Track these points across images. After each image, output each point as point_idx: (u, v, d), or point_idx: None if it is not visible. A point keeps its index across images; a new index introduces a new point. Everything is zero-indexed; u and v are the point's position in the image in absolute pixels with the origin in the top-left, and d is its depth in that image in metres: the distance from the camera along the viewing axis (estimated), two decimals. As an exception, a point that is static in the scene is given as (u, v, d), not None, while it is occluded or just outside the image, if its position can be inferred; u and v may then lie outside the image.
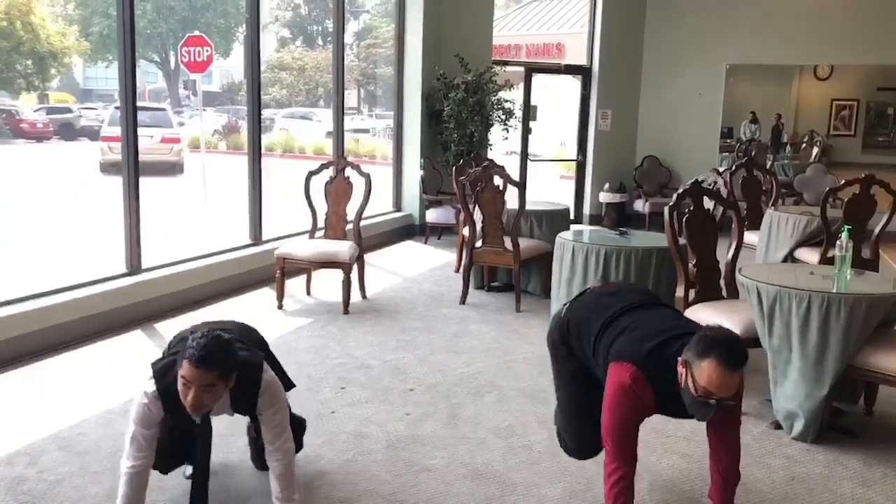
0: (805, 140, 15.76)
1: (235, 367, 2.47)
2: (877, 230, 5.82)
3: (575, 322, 2.85)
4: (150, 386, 2.54)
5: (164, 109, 15.59)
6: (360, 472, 3.20)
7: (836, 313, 3.42)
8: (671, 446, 3.48)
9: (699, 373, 2.32)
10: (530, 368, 4.53)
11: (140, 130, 5.46)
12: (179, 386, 2.40)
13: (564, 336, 2.90)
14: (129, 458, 2.53)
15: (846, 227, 3.94)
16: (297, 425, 2.95)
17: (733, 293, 4.39)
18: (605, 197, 10.29)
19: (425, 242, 8.68)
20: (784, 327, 3.57)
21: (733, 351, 2.33)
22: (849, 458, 3.42)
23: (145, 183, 5.54)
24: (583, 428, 2.90)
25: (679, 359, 2.41)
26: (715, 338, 2.34)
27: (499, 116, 8.94)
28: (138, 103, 5.42)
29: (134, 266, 5.41)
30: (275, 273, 5.71)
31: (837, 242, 3.83)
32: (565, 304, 3.02)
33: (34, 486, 3.00)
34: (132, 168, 5.32)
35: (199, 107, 15.14)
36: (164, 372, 2.54)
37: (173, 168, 13.96)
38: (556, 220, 6.37)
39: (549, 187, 12.31)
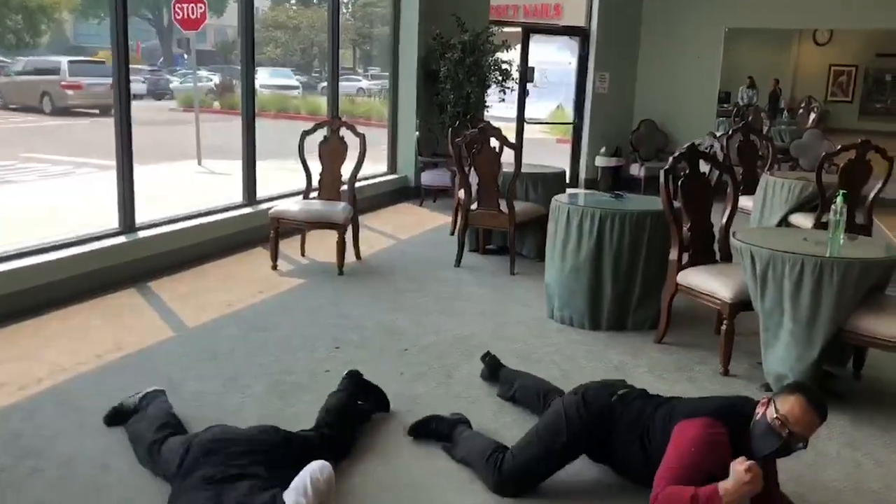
0: (802, 106, 15.72)
1: None
2: (871, 196, 5.83)
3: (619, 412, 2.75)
4: None
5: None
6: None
7: (828, 277, 3.44)
8: None
9: (783, 403, 2.39)
10: (524, 330, 4.55)
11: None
12: None
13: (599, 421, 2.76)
14: None
15: (841, 191, 3.94)
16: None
17: (727, 257, 4.41)
18: (601, 161, 10.25)
19: (420, 205, 8.66)
20: (777, 291, 3.59)
21: (819, 395, 2.44)
22: (836, 420, 3.44)
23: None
24: (539, 468, 2.78)
25: (762, 398, 2.48)
26: (805, 383, 2.56)
27: (496, 77, 8.86)
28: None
29: (127, 225, 5.40)
30: (269, 233, 5.70)
31: (832, 206, 3.83)
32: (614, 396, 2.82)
33: (30, 441, 3.02)
34: (125, 125, 5.28)
35: (192, 66, 14.95)
36: None
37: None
38: (551, 184, 6.35)
39: (547, 151, 12.27)
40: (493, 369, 3.70)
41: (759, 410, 2.44)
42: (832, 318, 3.46)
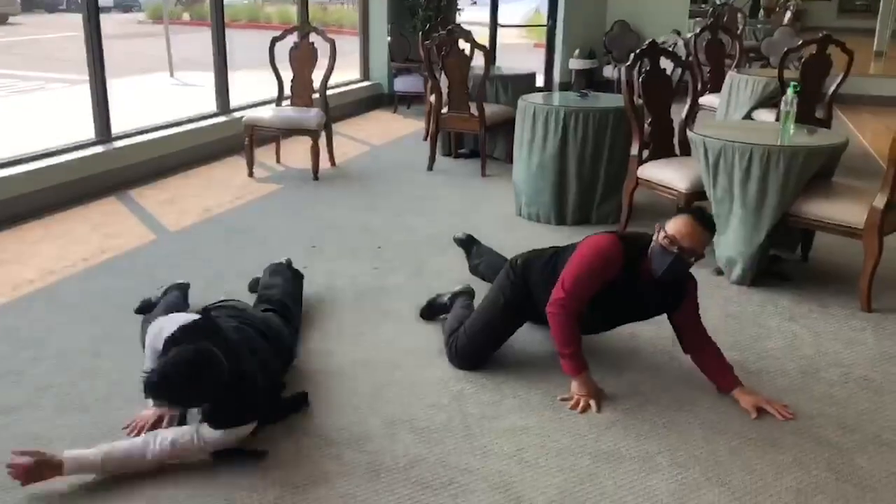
0: (780, 4, 15.60)
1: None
2: (831, 90, 5.98)
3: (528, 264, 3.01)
4: None
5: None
6: (331, 316, 3.46)
7: (775, 165, 3.64)
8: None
9: (671, 225, 2.65)
10: (493, 227, 4.75)
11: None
12: None
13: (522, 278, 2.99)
14: None
15: (793, 83, 4.10)
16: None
17: (686, 151, 4.58)
18: (574, 63, 10.27)
19: (394, 111, 8.72)
20: (727, 179, 3.79)
21: (705, 213, 2.71)
22: (780, 298, 3.72)
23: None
24: (487, 339, 3.00)
25: (656, 226, 2.70)
26: (689, 209, 2.77)
27: (467, -21, 8.78)
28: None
29: (103, 135, 5.48)
30: (244, 141, 5.79)
31: (783, 98, 4.00)
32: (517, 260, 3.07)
33: (27, 333, 3.23)
34: (95, 36, 5.29)
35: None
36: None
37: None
38: (521, 86, 6.44)
39: (524, 56, 12.22)
40: (468, 244, 3.86)
41: (654, 238, 2.68)
42: (778, 203, 3.68)
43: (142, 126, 5.94)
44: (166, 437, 2.33)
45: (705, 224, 2.68)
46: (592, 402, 2.72)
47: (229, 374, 2.26)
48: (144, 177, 5.59)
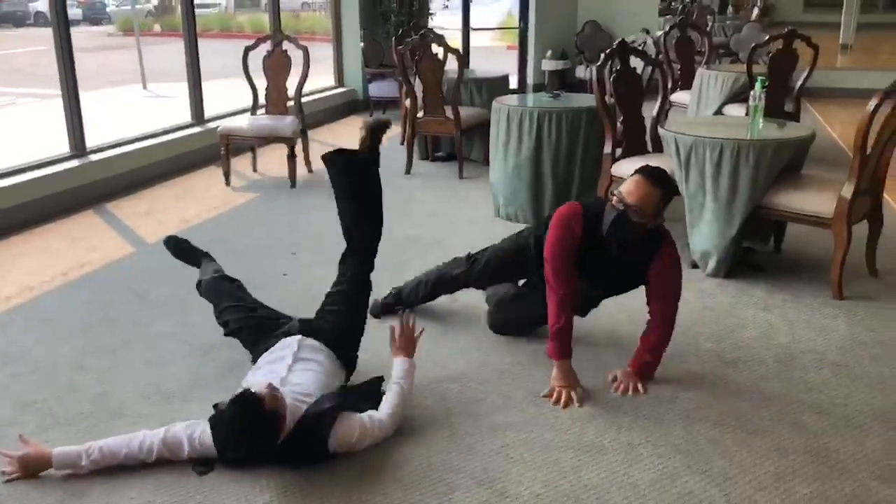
0: (748, 0, 15.82)
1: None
2: (798, 84, 6.09)
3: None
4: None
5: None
6: (313, 323, 3.48)
7: (745, 158, 3.72)
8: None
9: (623, 186, 2.70)
10: (471, 228, 4.79)
11: None
12: None
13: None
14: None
15: (759, 78, 4.18)
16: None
17: (658, 148, 4.65)
18: (547, 65, 10.35)
19: (370, 117, 8.72)
20: (699, 174, 3.86)
21: (656, 171, 2.71)
22: (754, 289, 3.80)
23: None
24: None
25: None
26: (646, 166, 2.74)
27: (438, -16, 8.84)
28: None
29: (78, 148, 5.46)
30: (220, 151, 5.80)
31: (751, 93, 4.08)
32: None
33: (7, 349, 3.22)
34: (66, 49, 5.28)
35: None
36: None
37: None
38: (495, 88, 6.50)
39: (498, 58, 12.28)
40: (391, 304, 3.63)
41: (610, 200, 2.73)
42: (750, 196, 3.75)
43: (117, 139, 5.93)
44: (158, 434, 2.35)
45: (654, 181, 2.66)
46: (573, 395, 2.77)
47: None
48: (121, 189, 5.57)
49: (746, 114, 5.87)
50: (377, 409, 2.55)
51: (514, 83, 9.47)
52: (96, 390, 2.88)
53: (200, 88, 6.71)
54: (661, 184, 2.70)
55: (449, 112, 5.97)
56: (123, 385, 2.92)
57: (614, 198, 2.69)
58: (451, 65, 6.07)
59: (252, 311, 2.97)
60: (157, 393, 2.87)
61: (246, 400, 2.23)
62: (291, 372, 2.54)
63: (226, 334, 2.99)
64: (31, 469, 2.35)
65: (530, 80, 10.54)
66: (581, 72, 10.30)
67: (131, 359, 3.14)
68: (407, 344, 2.76)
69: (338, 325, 2.85)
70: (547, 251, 2.81)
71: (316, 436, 2.36)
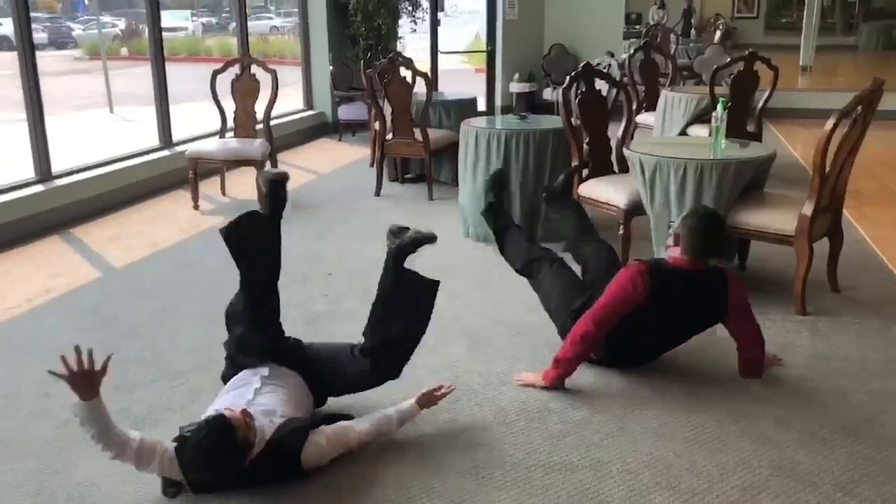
0: (710, 23, 16.18)
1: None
2: (759, 104, 6.23)
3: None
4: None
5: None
6: (283, 346, 3.46)
7: (708, 177, 3.79)
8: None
9: (681, 228, 2.97)
10: (441, 250, 4.78)
11: None
12: None
13: None
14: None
15: (721, 99, 4.28)
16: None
17: (625, 169, 4.72)
18: (515, 87, 10.47)
19: (339, 140, 8.77)
20: (664, 194, 3.92)
21: (708, 209, 3.10)
22: (720, 306, 3.85)
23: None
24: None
25: (670, 233, 3.02)
26: (693, 210, 3.08)
27: (406, 8, 8.92)
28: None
29: (44, 173, 5.40)
30: (188, 175, 5.77)
31: (713, 114, 4.17)
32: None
33: (-29, 379, 3.16)
34: (31, 73, 5.24)
35: (95, 11, 14.41)
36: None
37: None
38: (464, 110, 6.57)
39: (466, 81, 12.39)
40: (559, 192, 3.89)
41: (674, 245, 3.00)
42: (713, 214, 3.82)
43: (83, 163, 5.87)
44: (137, 436, 2.32)
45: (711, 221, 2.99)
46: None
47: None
48: (88, 214, 5.52)
49: (710, 134, 6.03)
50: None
51: (482, 105, 9.57)
52: (62, 417, 2.84)
53: (168, 112, 6.69)
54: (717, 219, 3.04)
55: (418, 134, 6.01)
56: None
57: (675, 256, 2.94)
58: (420, 87, 6.12)
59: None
60: (124, 419, 2.83)
61: (218, 424, 2.21)
62: (259, 395, 2.53)
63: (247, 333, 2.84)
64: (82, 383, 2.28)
65: (498, 103, 10.65)
66: (548, 94, 10.43)
67: (98, 385, 3.10)
68: (429, 402, 2.73)
69: (337, 371, 2.77)
70: (603, 300, 2.92)
71: (289, 451, 2.35)
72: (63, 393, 3.00)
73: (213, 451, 2.21)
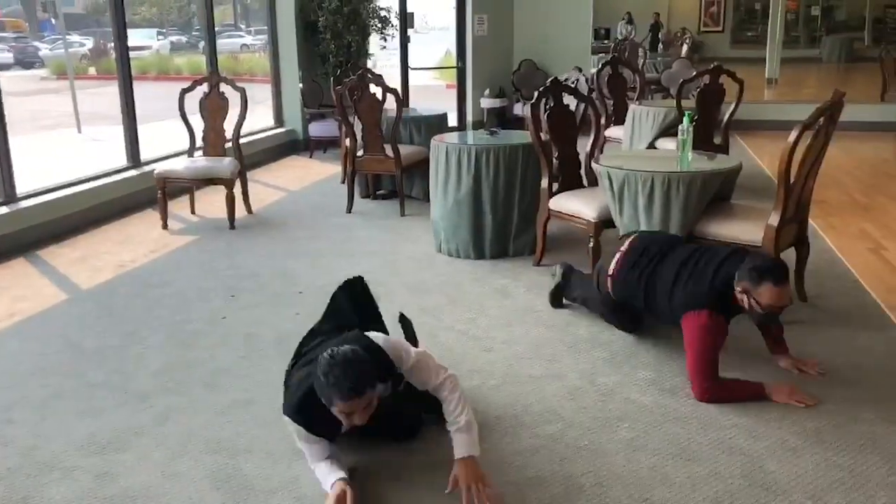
0: (677, 37, 16.43)
1: (382, 373, 2.43)
2: (725, 117, 6.32)
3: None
4: (291, 425, 2.48)
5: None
6: (253, 367, 3.43)
7: (675, 189, 3.83)
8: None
9: (761, 296, 2.92)
10: (414, 265, 4.81)
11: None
12: (342, 418, 2.34)
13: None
14: (315, 460, 2.52)
15: (687, 113, 4.33)
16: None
17: (594, 182, 4.75)
18: (485, 102, 10.52)
19: (310, 157, 8.75)
20: (632, 207, 3.96)
21: (780, 272, 2.95)
22: (690, 317, 3.87)
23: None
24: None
25: (736, 289, 2.98)
26: (763, 266, 2.94)
27: (375, 25, 8.95)
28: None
29: (8, 195, 5.32)
30: (156, 194, 5.72)
31: (679, 127, 4.22)
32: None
33: (-69, 406, 3.09)
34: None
35: (61, 30, 14.27)
36: (298, 409, 2.45)
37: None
38: (435, 126, 6.57)
39: (437, 97, 12.44)
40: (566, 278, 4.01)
41: (741, 299, 2.98)
42: (682, 225, 3.86)
43: (49, 184, 5.80)
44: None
45: (785, 281, 2.97)
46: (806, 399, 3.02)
47: None
48: (54, 236, 5.44)
49: (677, 147, 6.10)
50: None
51: (452, 121, 9.59)
52: (26, 444, 2.78)
53: (136, 131, 6.63)
54: (787, 280, 3.00)
55: (389, 150, 6.01)
56: (55, 437, 2.83)
57: (763, 309, 2.94)
58: (391, 104, 6.13)
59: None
60: (91, 443, 2.78)
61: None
62: None
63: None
64: None
65: (469, 118, 10.69)
66: (519, 109, 10.49)
67: (64, 409, 3.04)
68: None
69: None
70: (703, 362, 3.01)
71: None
72: (27, 420, 2.96)
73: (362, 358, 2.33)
